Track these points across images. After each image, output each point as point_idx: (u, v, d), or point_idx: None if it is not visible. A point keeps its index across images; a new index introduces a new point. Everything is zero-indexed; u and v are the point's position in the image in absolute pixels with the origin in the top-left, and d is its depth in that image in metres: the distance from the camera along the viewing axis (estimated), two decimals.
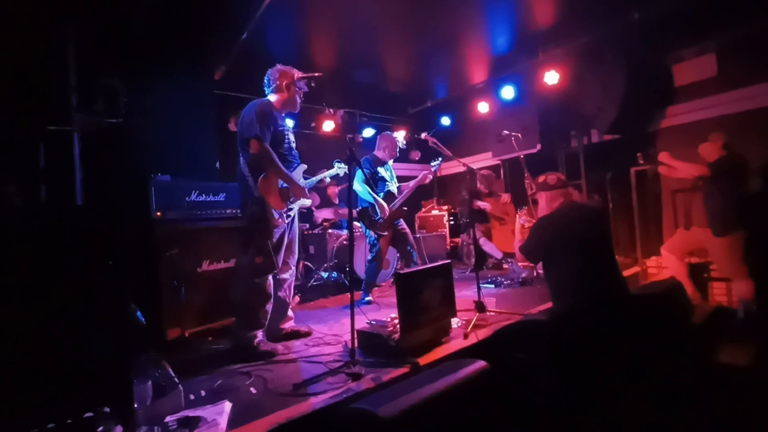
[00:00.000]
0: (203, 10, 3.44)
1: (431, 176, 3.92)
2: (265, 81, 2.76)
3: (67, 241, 1.42)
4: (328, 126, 5.67)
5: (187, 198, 3.00)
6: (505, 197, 5.14)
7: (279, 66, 2.77)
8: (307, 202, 2.84)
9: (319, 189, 5.45)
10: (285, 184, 2.64)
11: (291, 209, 2.72)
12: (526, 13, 4.19)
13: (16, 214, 1.67)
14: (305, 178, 2.82)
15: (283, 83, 2.71)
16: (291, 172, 2.69)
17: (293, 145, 2.79)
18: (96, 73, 3.40)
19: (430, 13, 3.95)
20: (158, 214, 2.81)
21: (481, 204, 5.00)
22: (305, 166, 2.83)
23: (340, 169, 3.11)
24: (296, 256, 2.90)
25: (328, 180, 3.01)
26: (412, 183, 3.92)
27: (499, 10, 4.10)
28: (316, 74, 2.56)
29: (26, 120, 2.86)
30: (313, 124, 5.78)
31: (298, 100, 2.80)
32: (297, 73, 2.75)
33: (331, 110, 2.73)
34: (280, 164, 2.57)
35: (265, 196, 2.51)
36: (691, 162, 3.45)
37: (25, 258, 1.34)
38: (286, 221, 2.68)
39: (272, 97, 2.72)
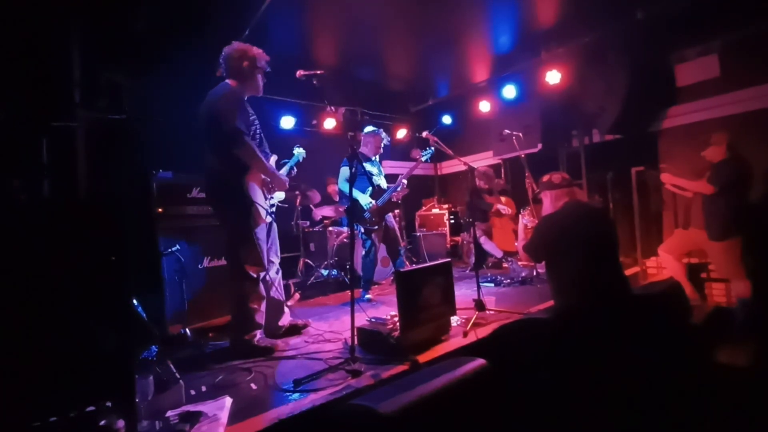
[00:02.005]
0: (206, 7, 3.45)
1: (405, 184, 3.83)
2: (222, 61, 2.51)
3: (70, 237, 1.43)
4: (329, 124, 5.68)
5: (188, 194, 3.01)
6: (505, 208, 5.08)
7: (236, 44, 2.53)
8: (282, 195, 2.76)
9: (320, 186, 5.47)
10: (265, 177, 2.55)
11: (273, 205, 2.66)
12: (529, 12, 4.18)
13: (20, 210, 1.69)
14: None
15: (243, 64, 2.48)
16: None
17: (261, 132, 2.62)
18: (99, 69, 3.40)
19: (433, 12, 3.94)
20: (160, 210, 2.82)
21: (498, 206, 4.95)
22: (276, 156, 2.75)
23: (299, 154, 3.02)
24: (279, 253, 2.81)
25: (295, 170, 2.95)
26: (386, 192, 3.81)
27: (501, 9, 4.09)
28: (318, 72, 2.52)
29: (30, 115, 2.87)
30: (314, 122, 5.79)
31: (261, 83, 2.59)
32: (258, 53, 2.53)
33: (333, 108, 2.70)
34: (262, 158, 2.45)
35: (252, 196, 2.43)
36: (692, 163, 3.45)
37: (27, 253, 1.35)
38: (273, 217, 2.62)
39: (231, 81, 2.50)
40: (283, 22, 3.87)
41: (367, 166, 3.84)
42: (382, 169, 4.06)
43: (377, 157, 4.01)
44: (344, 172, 3.83)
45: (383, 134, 3.97)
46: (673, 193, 4.01)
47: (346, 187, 3.70)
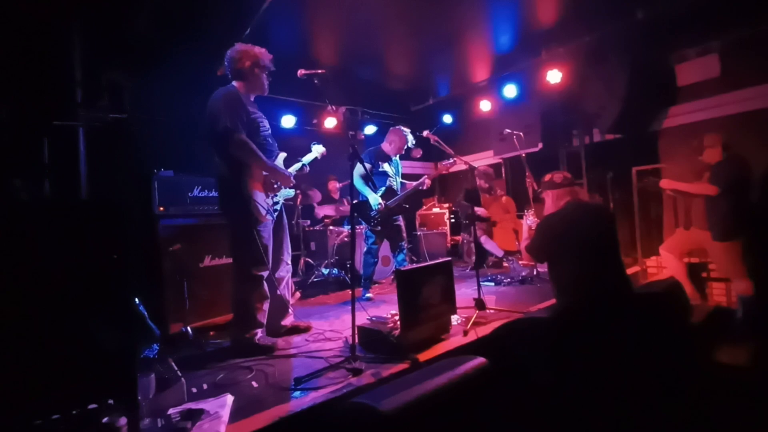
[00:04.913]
0: (206, 7, 3.45)
1: (429, 183, 3.81)
2: (226, 64, 2.55)
3: (71, 236, 1.43)
4: (330, 123, 5.68)
5: (189, 193, 3.02)
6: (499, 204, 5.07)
7: (238, 46, 2.55)
8: (290, 192, 2.74)
9: (321, 185, 5.48)
10: (267, 174, 2.54)
11: (276, 203, 2.65)
12: (530, 11, 4.18)
13: (22, 209, 1.69)
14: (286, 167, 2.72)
15: (246, 64, 2.51)
16: (272, 161, 2.59)
17: (270, 131, 2.65)
18: (101, 68, 3.41)
19: (433, 11, 3.94)
20: (161, 209, 2.83)
21: (479, 210, 4.97)
22: (285, 154, 2.73)
23: (316, 151, 2.98)
24: (290, 251, 2.83)
25: (308, 168, 2.90)
26: (410, 186, 3.84)
27: (502, 8, 4.09)
28: (319, 71, 2.52)
29: (31, 115, 2.87)
30: (315, 121, 5.79)
31: (266, 82, 2.62)
32: (260, 52, 2.55)
33: (334, 107, 2.69)
34: (260, 154, 2.46)
35: (250, 193, 2.44)
36: (693, 163, 3.46)
37: (30, 252, 1.35)
38: (274, 216, 2.61)
39: (236, 83, 2.55)
40: (284, 22, 3.87)
41: (385, 166, 3.81)
42: (401, 169, 4.01)
43: (398, 156, 3.96)
44: (357, 169, 3.79)
45: (409, 136, 3.88)
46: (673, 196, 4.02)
47: (358, 184, 3.68)
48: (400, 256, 3.85)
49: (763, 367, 2.39)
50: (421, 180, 3.78)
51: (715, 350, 2.60)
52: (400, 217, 3.88)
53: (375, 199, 3.67)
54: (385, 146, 3.90)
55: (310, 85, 2.51)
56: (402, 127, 3.92)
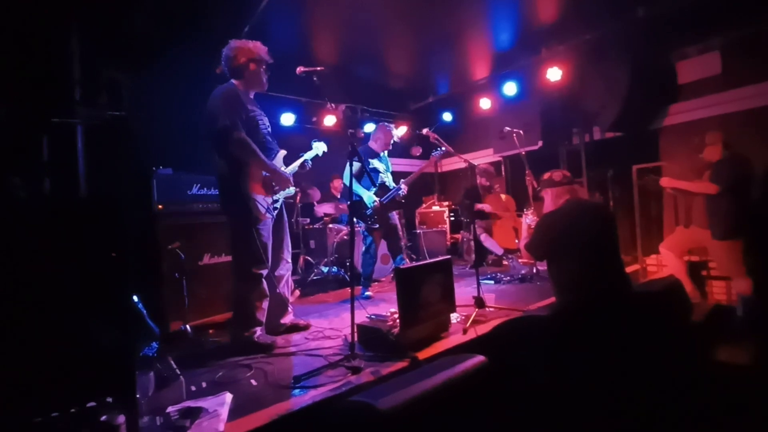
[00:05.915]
0: (206, 4, 3.44)
1: (406, 189, 3.73)
2: (223, 63, 2.52)
3: (70, 234, 1.43)
4: (329, 121, 5.67)
5: (188, 191, 3.02)
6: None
7: (232, 43, 2.51)
8: (291, 191, 2.73)
9: (323, 183, 5.47)
10: (266, 174, 2.53)
11: (276, 201, 2.64)
12: (530, 9, 4.17)
13: (20, 207, 1.69)
14: (286, 164, 2.71)
15: (241, 61, 2.47)
16: (271, 159, 2.57)
17: (269, 129, 2.63)
18: (99, 66, 3.40)
19: (433, 9, 3.93)
20: (160, 207, 2.83)
21: (480, 206, 4.98)
22: (285, 152, 2.72)
23: (318, 148, 2.97)
24: (290, 249, 2.83)
25: (310, 164, 2.89)
26: (389, 193, 3.77)
27: (502, 6, 4.08)
28: (318, 69, 2.50)
29: (30, 112, 2.86)
30: (314, 119, 5.78)
31: (264, 77, 2.58)
32: (255, 46, 2.51)
33: (333, 105, 2.68)
34: (260, 154, 2.44)
35: (249, 192, 2.43)
36: (693, 161, 3.45)
37: (28, 250, 1.35)
38: (273, 214, 2.60)
39: (235, 81, 2.52)
40: (283, 19, 3.86)
41: (374, 162, 3.81)
42: (390, 165, 4.01)
43: (386, 153, 3.96)
44: (353, 167, 3.75)
45: (394, 131, 3.91)
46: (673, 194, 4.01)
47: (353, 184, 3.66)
48: (398, 257, 3.85)
49: (763, 366, 2.39)
50: (397, 186, 3.74)
51: (715, 349, 2.60)
52: (396, 218, 3.88)
53: (369, 197, 3.67)
54: (372, 144, 3.91)
55: (310, 82, 2.50)
56: (386, 123, 3.96)
